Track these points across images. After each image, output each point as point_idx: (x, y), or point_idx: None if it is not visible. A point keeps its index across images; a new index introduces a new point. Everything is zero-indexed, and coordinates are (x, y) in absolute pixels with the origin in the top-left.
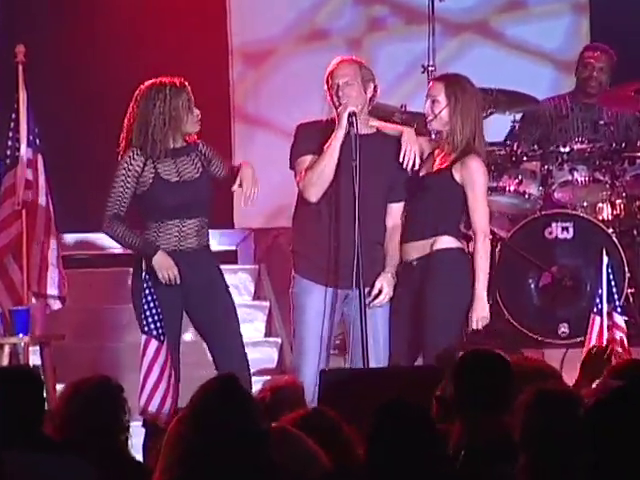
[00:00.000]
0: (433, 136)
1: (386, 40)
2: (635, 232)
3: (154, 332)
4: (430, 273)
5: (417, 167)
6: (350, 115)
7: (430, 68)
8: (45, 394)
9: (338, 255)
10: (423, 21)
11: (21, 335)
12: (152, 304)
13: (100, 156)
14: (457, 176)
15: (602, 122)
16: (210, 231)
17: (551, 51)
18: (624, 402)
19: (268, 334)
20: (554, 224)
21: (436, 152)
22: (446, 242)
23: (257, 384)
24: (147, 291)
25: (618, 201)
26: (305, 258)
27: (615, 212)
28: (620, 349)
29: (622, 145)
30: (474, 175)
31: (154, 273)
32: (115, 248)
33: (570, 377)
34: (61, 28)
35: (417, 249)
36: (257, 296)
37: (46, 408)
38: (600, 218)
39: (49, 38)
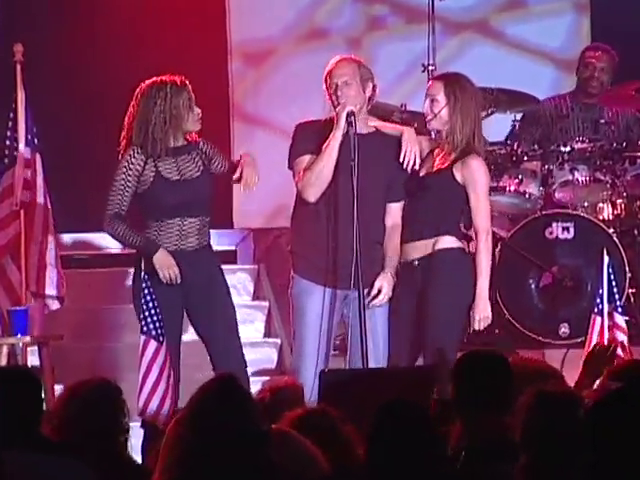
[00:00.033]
0: (433, 135)
1: (386, 39)
2: (636, 232)
3: (153, 332)
4: (432, 273)
5: (417, 167)
6: (349, 115)
7: (430, 67)
8: (43, 394)
9: (337, 255)
10: (423, 20)
11: (19, 335)
12: (151, 304)
13: (99, 156)
14: (458, 176)
15: (603, 121)
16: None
17: (552, 50)
18: (623, 403)
19: (267, 335)
20: (555, 224)
21: (436, 152)
22: (448, 242)
23: (256, 385)
24: (146, 291)
25: (619, 201)
26: (304, 258)
27: (616, 212)
28: (621, 352)
29: (623, 145)
30: (475, 175)
31: (154, 273)
32: (113, 248)
33: (571, 377)
34: (60, 27)
35: (418, 249)
36: (256, 296)
37: (44, 408)
38: (601, 218)
39: (48, 37)
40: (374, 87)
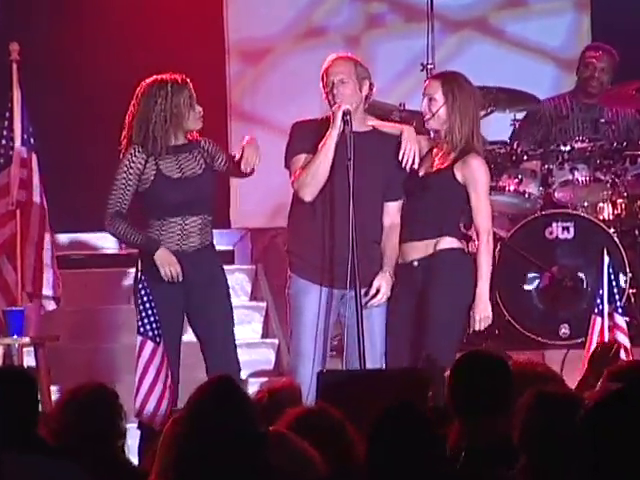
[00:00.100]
0: (432, 135)
1: (385, 37)
2: (636, 232)
3: (150, 333)
4: (432, 273)
5: (416, 166)
6: (345, 114)
7: (429, 66)
8: (39, 395)
9: (334, 254)
10: (422, 18)
11: (15, 336)
12: (148, 305)
13: (95, 156)
14: (459, 175)
15: (603, 121)
16: None
17: (552, 49)
18: (623, 403)
19: (265, 335)
20: (554, 224)
21: (434, 151)
22: (448, 243)
23: (254, 386)
24: (142, 292)
25: (619, 201)
26: (301, 258)
27: (616, 212)
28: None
29: (623, 144)
30: (476, 174)
31: (154, 271)
32: (109, 248)
33: (571, 378)
34: (56, 26)
35: (418, 249)
36: (254, 297)
37: (40, 410)
38: (601, 218)
39: (44, 36)
40: (371, 86)
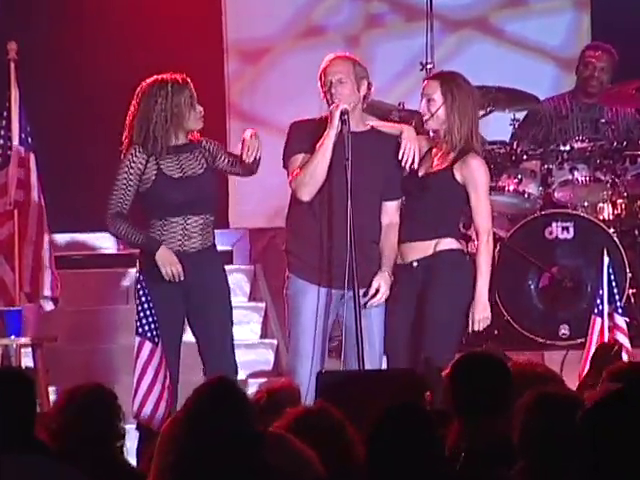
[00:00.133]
0: (431, 134)
1: (384, 37)
2: (636, 232)
3: (148, 334)
4: (432, 274)
5: (416, 166)
6: (342, 113)
7: (428, 65)
8: (37, 396)
9: (332, 254)
10: (421, 18)
11: (13, 337)
12: (146, 305)
13: (93, 156)
14: (458, 176)
15: (603, 121)
16: None
17: (551, 48)
18: (623, 404)
19: (264, 336)
20: (554, 224)
21: (434, 151)
22: (448, 244)
23: (253, 386)
24: (141, 292)
25: (619, 201)
26: (299, 258)
27: (616, 212)
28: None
29: (623, 144)
30: (476, 174)
31: (154, 272)
32: (108, 249)
33: (570, 379)
34: (54, 26)
35: (417, 250)
36: (253, 297)
37: (38, 411)
38: (601, 218)
39: (42, 36)
40: (369, 85)
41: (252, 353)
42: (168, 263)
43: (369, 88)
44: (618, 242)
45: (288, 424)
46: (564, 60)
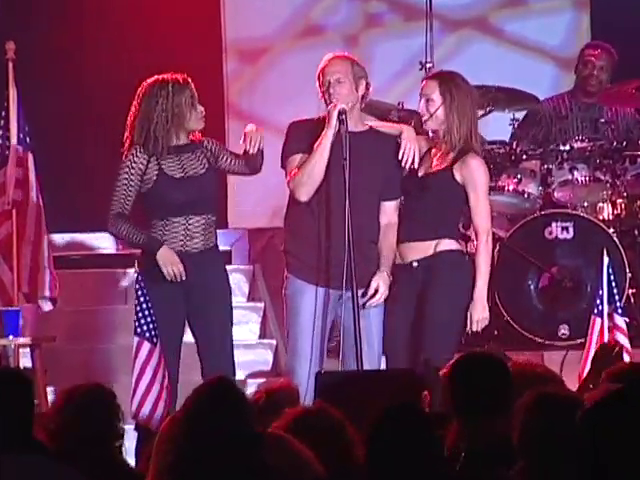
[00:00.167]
0: (431, 134)
1: (383, 36)
2: (636, 232)
3: (147, 334)
4: (432, 274)
5: (416, 166)
6: (340, 113)
7: (428, 65)
8: (35, 397)
9: (331, 255)
10: (421, 17)
11: (11, 337)
12: (144, 305)
13: (91, 156)
14: (458, 176)
15: (603, 120)
16: None
17: (551, 48)
18: (623, 404)
19: (263, 336)
20: (554, 224)
21: (433, 151)
22: (448, 244)
23: (252, 387)
24: (139, 292)
25: (619, 201)
26: (297, 258)
27: (616, 212)
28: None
29: (623, 144)
30: (475, 174)
31: (155, 272)
32: (106, 249)
33: (570, 380)
34: (52, 25)
35: (417, 250)
36: (252, 297)
37: (36, 411)
38: (601, 218)
39: (40, 35)
40: (367, 85)
41: (251, 353)
42: (169, 263)
43: (367, 88)
44: (618, 242)
45: (287, 424)
46: (564, 60)
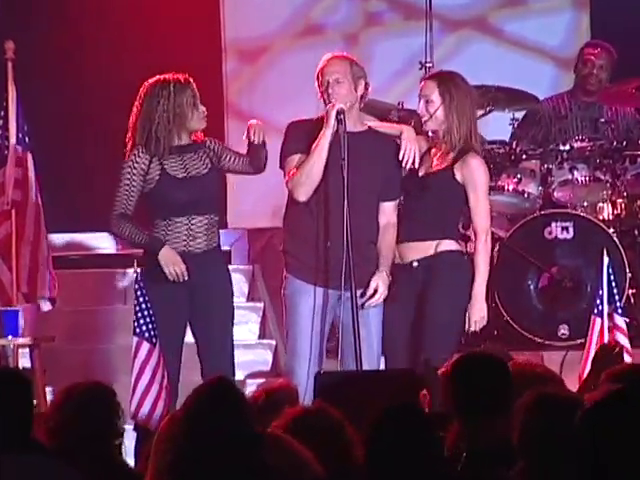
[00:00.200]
0: (430, 134)
1: (383, 36)
2: (636, 232)
3: (146, 334)
4: (433, 274)
5: (416, 166)
6: (338, 113)
7: (428, 65)
8: (34, 397)
9: (330, 255)
10: (421, 17)
11: (10, 337)
12: (144, 305)
13: (90, 156)
14: (458, 175)
15: (603, 120)
16: None
17: (551, 48)
18: (623, 404)
19: (262, 336)
20: (554, 224)
21: (433, 151)
22: (449, 244)
23: (251, 387)
24: (138, 292)
25: (619, 200)
26: (296, 258)
27: (616, 212)
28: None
29: (623, 143)
30: (475, 173)
31: (157, 272)
32: (105, 249)
33: (570, 380)
34: (52, 25)
35: (417, 250)
36: (251, 297)
37: (35, 411)
38: (601, 218)
39: (41, 36)
40: (366, 85)
41: (250, 353)
42: (171, 263)
43: (366, 88)
44: (618, 242)
45: (286, 424)
46: (563, 60)
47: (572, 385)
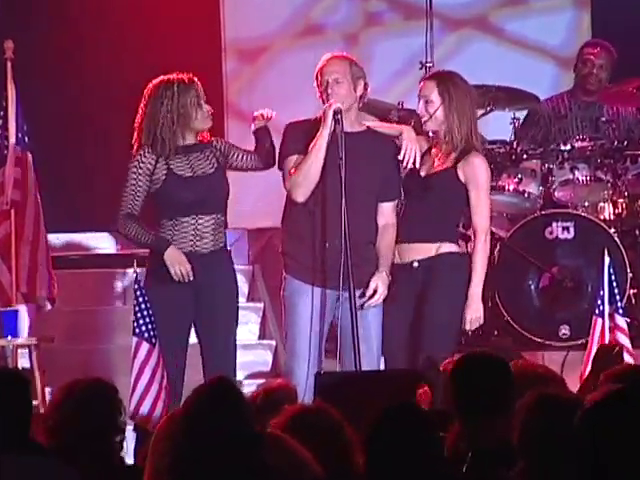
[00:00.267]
0: (431, 134)
1: (383, 36)
2: (637, 232)
3: (145, 334)
4: (433, 275)
5: (417, 166)
6: (335, 112)
7: (428, 64)
8: (33, 397)
9: (328, 255)
10: (421, 16)
11: (9, 337)
12: (143, 305)
13: (90, 156)
14: (461, 174)
15: (603, 119)
16: None
17: (551, 47)
18: (623, 404)
19: (262, 336)
20: (554, 224)
21: (433, 151)
22: (449, 246)
23: (251, 387)
24: (138, 292)
25: (620, 200)
26: (295, 259)
27: (617, 211)
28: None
29: (624, 143)
30: (477, 171)
31: (162, 272)
32: (105, 249)
33: (571, 380)
34: (51, 24)
35: (418, 250)
36: (251, 298)
37: (33, 411)
38: (601, 218)
39: (41, 36)
40: (365, 85)
41: (250, 354)
42: (177, 263)
43: (365, 88)
44: (619, 242)
45: (285, 421)
46: (564, 59)
47: (573, 386)
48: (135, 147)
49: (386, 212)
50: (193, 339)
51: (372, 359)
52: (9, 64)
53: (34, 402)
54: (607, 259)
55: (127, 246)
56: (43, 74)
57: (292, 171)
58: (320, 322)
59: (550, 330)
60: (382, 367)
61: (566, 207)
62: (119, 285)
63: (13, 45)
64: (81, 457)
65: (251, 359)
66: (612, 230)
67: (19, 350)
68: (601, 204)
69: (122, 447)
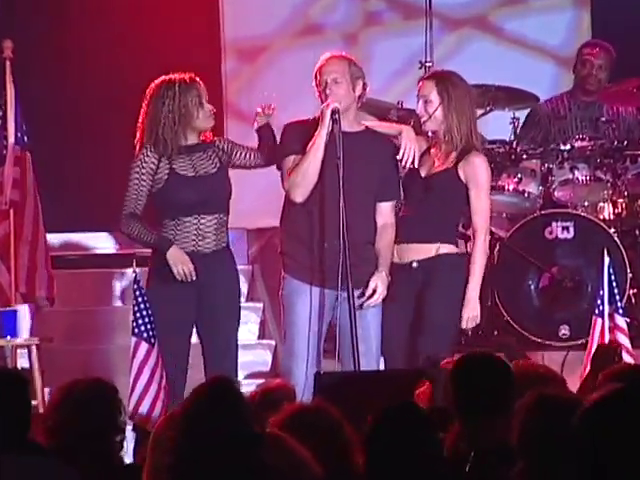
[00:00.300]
0: (430, 134)
1: (383, 35)
2: (637, 232)
3: (144, 334)
4: (433, 275)
5: (416, 166)
6: (333, 112)
7: (427, 64)
8: (32, 397)
9: (326, 255)
10: (420, 16)
11: (9, 337)
12: (142, 305)
13: (89, 155)
14: (462, 174)
15: (603, 119)
16: None
17: (551, 47)
18: (623, 404)
19: (262, 336)
20: (554, 224)
21: (433, 152)
22: (449, 247)
23: (250, 387)
24: (137, 292)
25: (620, 200)
26: (294, 259)
27: (617, 211)
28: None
29: (624, 143)
30: (477, 171)
31: (165, 271)
32: (104, 248)
33: (571, 380)
34: (51, 24)
35: (418, 251)
36: (250, 297)
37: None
38: (601, 217)
39: (40, 35)
40: (364, 85)
41: (250, 354)
42: (179, 262)
43: (364, 88)
44: (619, 242)
45: (284, 420)
46: (564, 59)
47: (573, 385)
48: (137, 147)
49: (385, 212)
50: (195, 339)
51: (371, 359)
52: (8, 63)
53: (33, 402)
54: (607, 259)
55: (126, 246)
56: (42, 74)
57: (290, 171)
58: (319, 322)
59: (550, 330)
60: (382, 367)
61: (566, 207)
62: (118, 285)
63: (12, 44)
64: (81, 457)
65: (250, 359)
66: (612, 230)
67: (18, 350)
68: (601, 204)
69: (122, 447)
